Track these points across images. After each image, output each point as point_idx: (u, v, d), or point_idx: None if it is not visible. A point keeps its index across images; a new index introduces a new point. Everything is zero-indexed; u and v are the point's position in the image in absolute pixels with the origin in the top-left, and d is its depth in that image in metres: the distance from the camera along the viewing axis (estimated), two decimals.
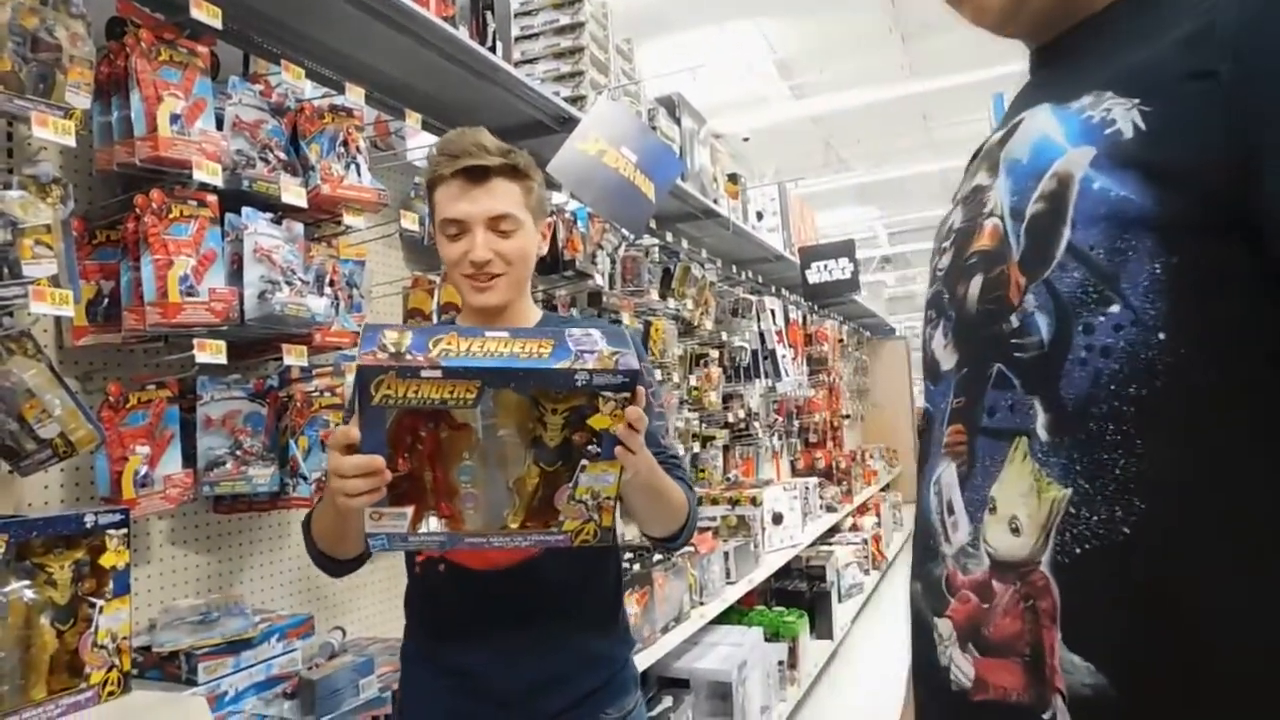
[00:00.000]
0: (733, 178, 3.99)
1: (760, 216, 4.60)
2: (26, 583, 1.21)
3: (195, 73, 1.55)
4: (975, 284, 0.68)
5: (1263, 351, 0.55)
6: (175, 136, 1.47)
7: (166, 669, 1.52)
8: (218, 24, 1.53)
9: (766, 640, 3.66)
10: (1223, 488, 0.55)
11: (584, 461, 1.01)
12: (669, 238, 3.65)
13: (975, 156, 0.80)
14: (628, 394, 0.99)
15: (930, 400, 0.76)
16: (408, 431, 1.00)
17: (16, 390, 1.32)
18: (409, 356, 0.93)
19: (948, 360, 0.72)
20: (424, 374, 0.92)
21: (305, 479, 1.77)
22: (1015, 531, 0.61)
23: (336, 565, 1.31)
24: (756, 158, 9.04)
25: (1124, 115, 0.58)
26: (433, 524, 1.02)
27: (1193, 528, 0.55)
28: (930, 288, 0.77)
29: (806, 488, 4.63)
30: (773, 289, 5.27)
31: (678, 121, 3.30)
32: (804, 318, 5.66)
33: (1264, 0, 0.54)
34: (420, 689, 1.37)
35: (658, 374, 3.31)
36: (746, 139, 8.35)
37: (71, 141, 1.33)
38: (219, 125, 1.61)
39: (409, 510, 1.00)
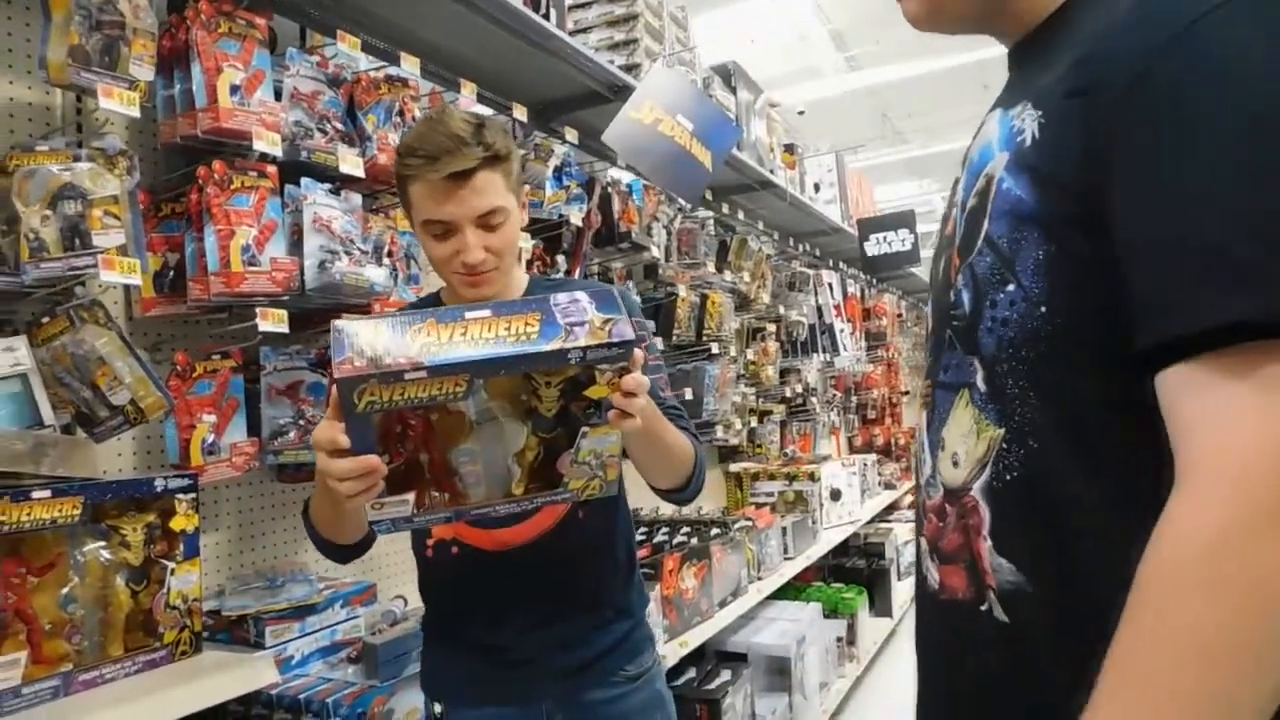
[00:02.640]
0: (789, 148, 3.92)
1: (817, 188, 4.51)
2: (102, 543, 1.24)
3: (254, 44, 1.56)
4: (940, 264, 0.80)
5: (1117, 325, 0.63)
6: (235, 107, 1.48)
7: (235, 633, 1.55)
8: None
9: (825, 617, 3.62)
10: (1084, 430, 0.67)
11: (584, 428, 0.98)
12: (725, 210, 3.60)
13: None
14: (624, 363, 0.95)
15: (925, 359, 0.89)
16: (396, 422, 0.98)
17: (89, 358, 1.35)
18: (388, 360, 0.87)
19: (930, 326, 0.84)
20: (408, 376, 0.87)
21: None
22: (955, 465, 0.74)
23: (341, 551, 1.29)
24: (811, 131, 8.88)
25: (1030, 125, 0.68)
26: (435, 501, 1.01)
27: (1065, 461, 0.67)
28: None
29: (865, 464, 4.56)
30: (830, 262, 5.18)
31: (733, 91, 3.24)
32: (862, 292, 5.55)
33: (1135, 31, 0.62)
34: (441, 660, 1.40)
35: (713, 347, 3.27)
36: (801, 112, 8.21)
37: (136, 112, 1.35)
38: (277, 96, 1.63)
39: (410, 496, 0.98)
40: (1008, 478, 0.69)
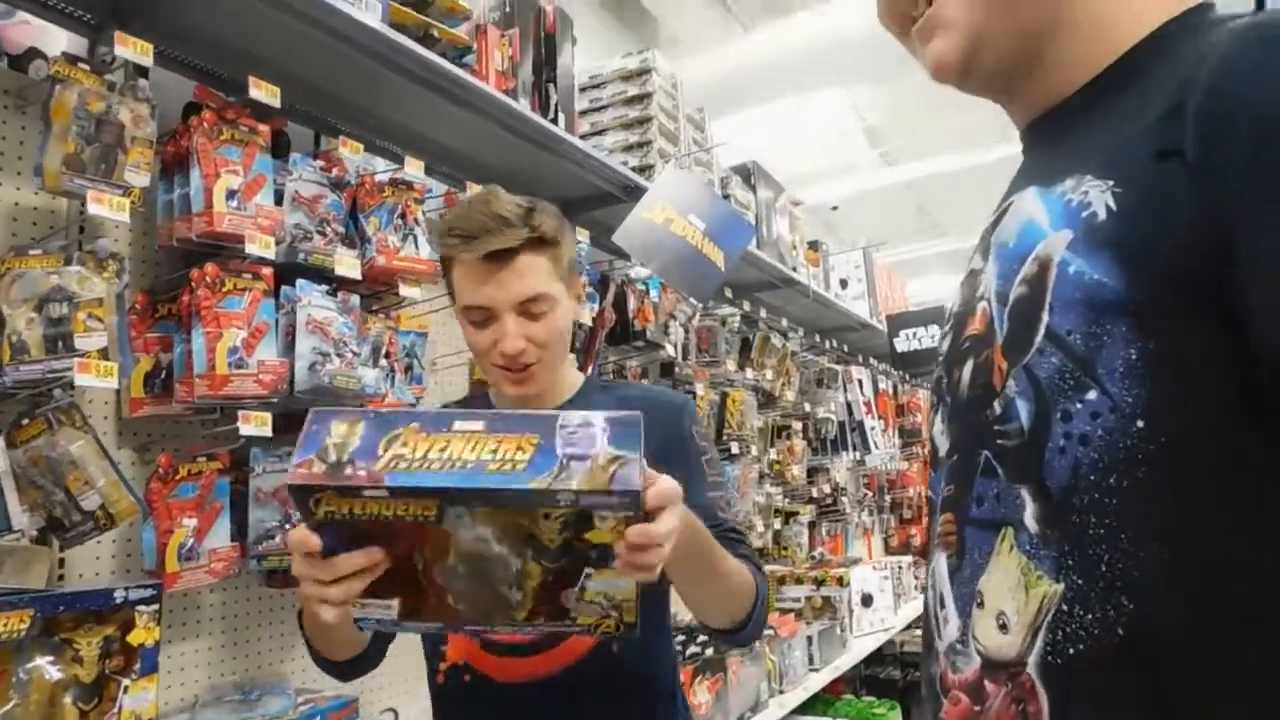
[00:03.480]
0: (813, 245, 3.90)
1: (845, 284, 4.48)
2: (51, 658, 1.19)
3: (255, 150, 1.59)
4: (967, 369, 0.66)
5: (1249, 442, 0.51)
6: (230, 211, 1.50)
7: None
8: (276, 103, 1.57)
9: None
10: (1215, 590, 0.51)
11: (588, 570, 0.84)
12: (747, 307, 3.57)
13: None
14: (628, 513, 0.80)
15: (932, 488, 0.72)
16: (380, 524, 0.84)
17: (62, 461, 1.33)
18: (349, 469, 0.76)
19: (944, 446, 0.69)
20: (366, 493, 0.76)
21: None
22: (1003, 628, 0.58)
23: (339, 668, 1.20)
24: (847, 226, 8.93)
25: (1099, 197, 0.56)
26: (430, 607, 0.88)
27: (1187, 632, 0.51)
28: (935, 372, 0.75)
29: (900, 567, 4.36)
30: (860, 358, 5.10)
31: (753, 189, 3.25)
32: (895, 388, 5.44)
33: (1230, 78, 0.52)
34: None
35: (733, 446, 3.19)
36: (835, 208, 8.28)
37: (126, 218, 1.36)
38: (278, 200, 1.64)
39: (394, 603, 0.87)
40: (1071, 651, 0.53)
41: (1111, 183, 0.56)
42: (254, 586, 1.79)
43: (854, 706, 3.68)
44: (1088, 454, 0.54)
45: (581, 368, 2.60)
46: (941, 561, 0.66)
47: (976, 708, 0.59)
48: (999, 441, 0.60)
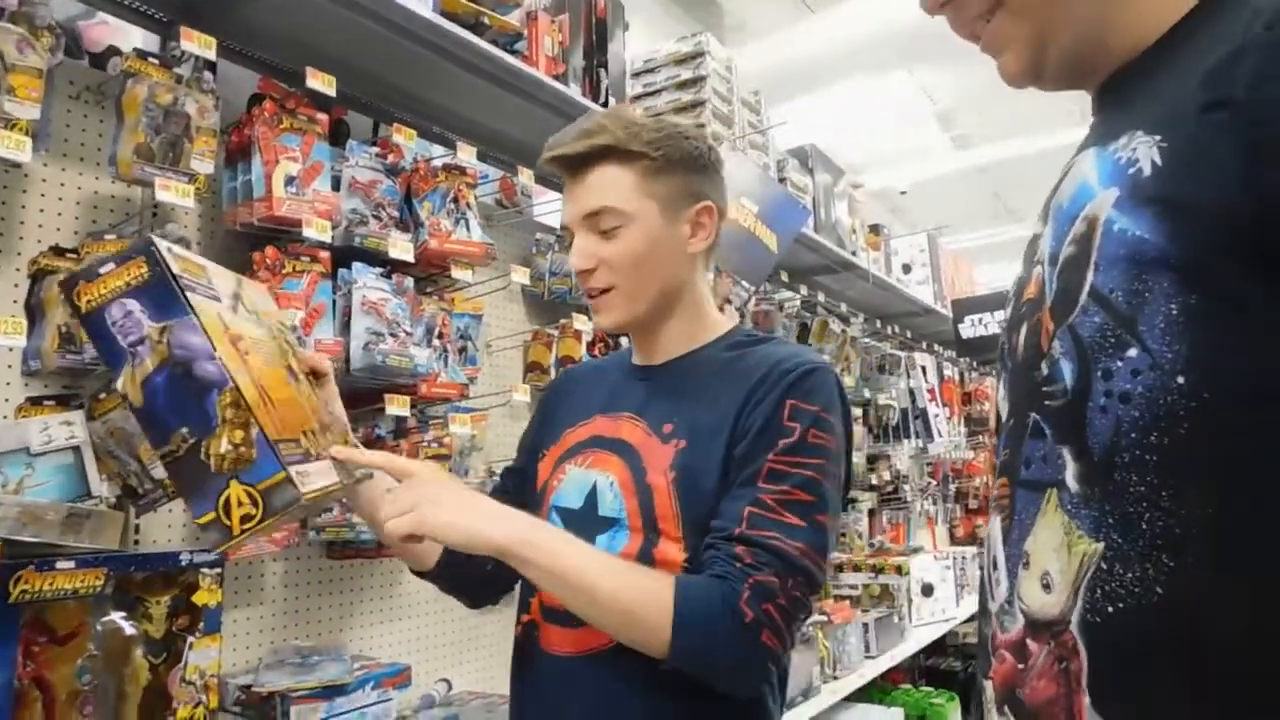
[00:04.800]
0: (874, 229, 3.84)
1: (907, 269, 4.40)
2: (124, 614, 1.27)
3: (313, 138, 1.65)
4: (1022, 333, 0.66)
5: None
6: (288, 197, 1.56)
7: (264, 710, 1.56)
8: (332, 91, 1.63)
9: None
10: (1255, 547, 0.51)
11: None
12: (804, 291, 3.54)
13: None
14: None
15: (995, 455, 0.72)
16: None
17: (136, 433, 1.42)
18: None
19: (1004, 411, 0.69)
20: None
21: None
22: (1047, 588, 0.58)
23: (454, 588, 1.24)
24: (917, 211, 8.75)
25: (1145, 153, 0.56)
26: None
27: (1227, 590, 0.51)
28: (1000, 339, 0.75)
29: (964, 557, 4.29)
30: (924, 344, 5.00)
31: (810, 173, 3.22)
32: (961, 375, 5.32)
33: None
34: None
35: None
36: (904, 192, 8.11)
37: (191, 203, 1.44)
38: (336, 186, 1.71)
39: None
40: (1110, 609, 0.54)
41: (1158, 137, 0.55)
42: (315, 558, 1.87)
43: (911, 696, 3.64)
44: (1128, 412, 0.54)
45: None
46: (996, 524, 0.66)
47: (1020, 666, 0.60)
48: (1046, 403, 0.60)
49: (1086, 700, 0.54)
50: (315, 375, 1.13)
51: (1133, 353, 0.54)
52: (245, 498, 0.80)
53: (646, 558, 1.04)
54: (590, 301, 1.12)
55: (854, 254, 3.48)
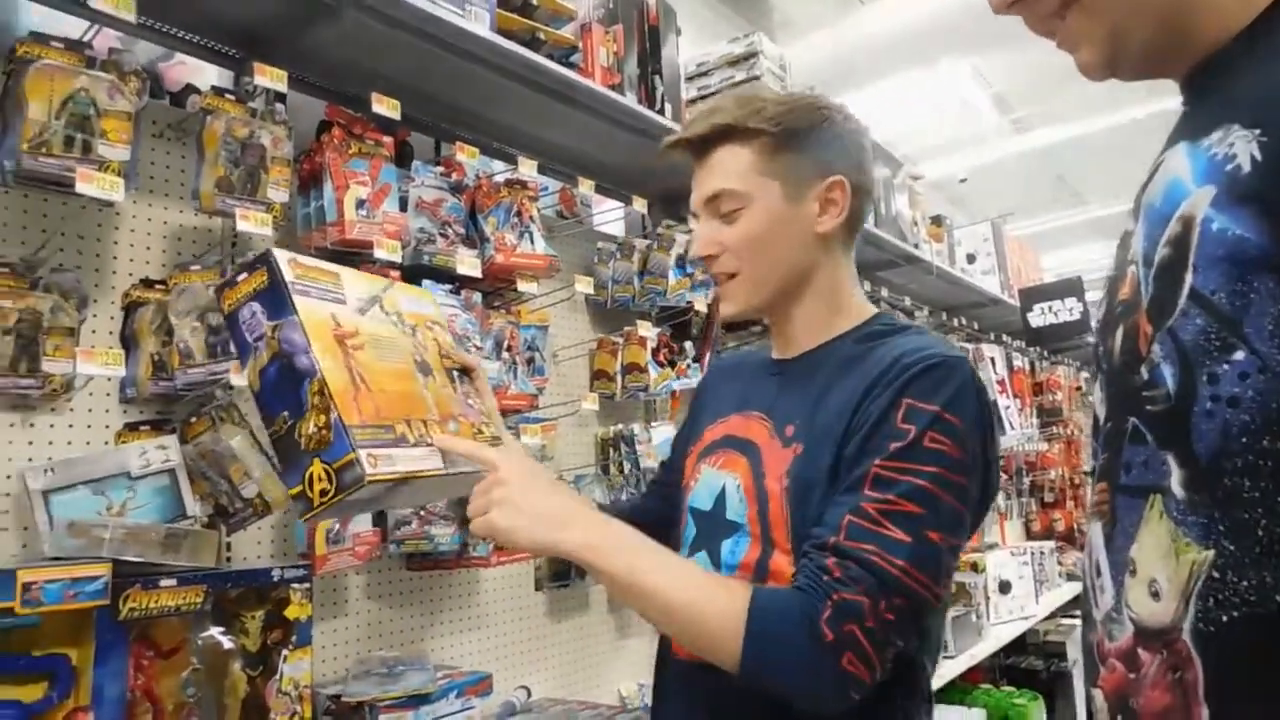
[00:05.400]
0: (936, 220, 3.78)
1: (971, 259, 4.31)
2: (222, 629, 1.33)
3: (381, 161, 1.70)
4: (1118, 335, 0.64)
5: None
6: (359, 220, 1.61)
7: (353, 719, 1.61)
8: (396, 115, 1.67)
9: None
10: None
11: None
12: (868, 286, 3.50)
13: None
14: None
15: (1093, 457, 0.71)
16: None
17: (225, 454, 1.48)
18: None
19: (1101, 414, 0.68)
20: None
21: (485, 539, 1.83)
22: (1155, 596, 0.57)
23: None
24: (977, 199, 8.56)
25: (1244, 148, 0.54)
26: None
27: None
28: (1093, 341, 0.74)
29: (1041, 553, 4.18)
30: (992, 335, 4.89)
31: None
32: (1032, 365, 5.19)
33: None
34: None
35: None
36: (963, 180, 7.95)
37: (269, 231, 1.49)
38: (403, 206, 1.75)
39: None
40: (1224, 618, 0.53)
41: (1258, 131, 0.53)
42: (396, 570, 1.92)
43: (992, 697, 3.56)
44: (1237, 417, 0.52)
45: (699, 356, 2.63)
46: (1097, 530, 0.65)
47: (1132, 675, 0.58)
48: (1146, 407, 0.59)
49: (1205, 712, 0.53)
50: (466, 372, 1.16)
51: (1239, 355, 0.52)
52: (324, 474, 0.89)
53: (763, 569, 0.99)
54: (717, 289, 1.09)
55: (916, 247, 3.43)
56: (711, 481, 1.10)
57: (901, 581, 0.87)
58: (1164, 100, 6.73)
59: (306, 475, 0.89)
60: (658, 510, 1.25)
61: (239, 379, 1.39)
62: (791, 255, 1.05)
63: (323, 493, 0.88)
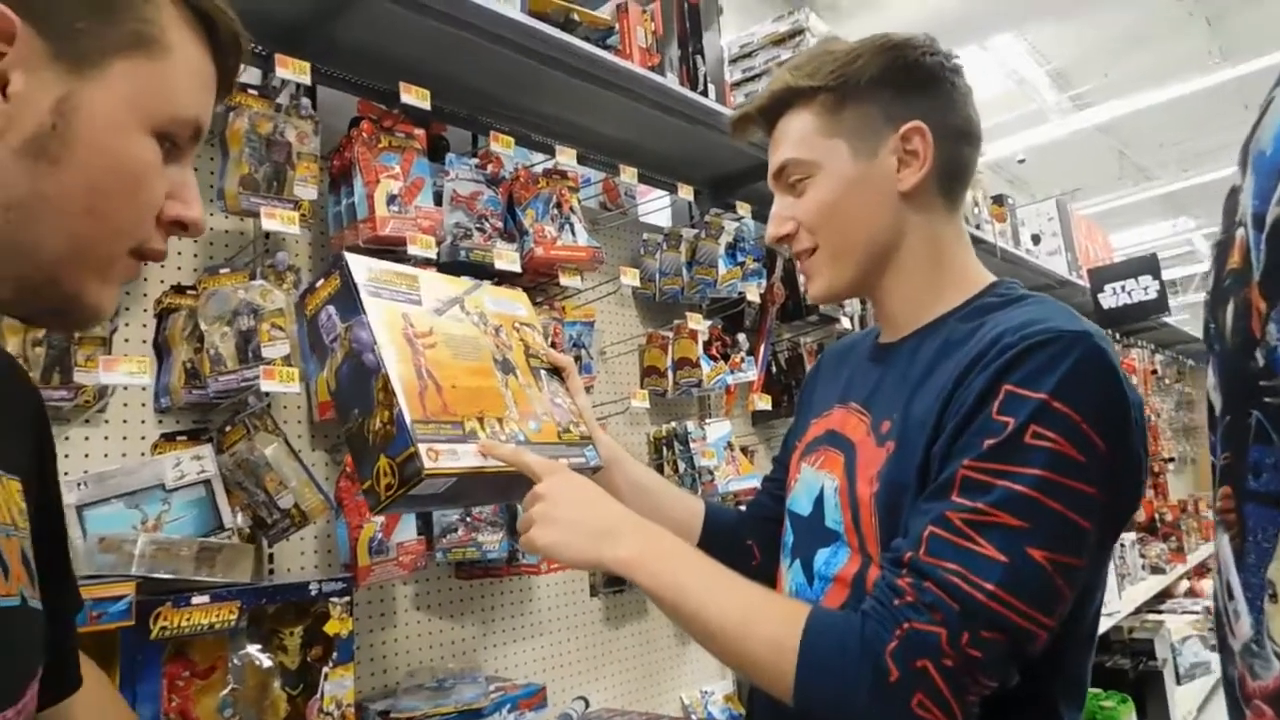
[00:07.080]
0: (998, 200, 3.60)
1: (1037, 240, 4.11)
2: (260, 646, 1.27)
3: (413, 154, 1.63)
4: (1229, 312, 0.54)
5: None
6: (392, 215, 1.54)
7: None
8: (426, 105, 1.60)
9: None
10: None
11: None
12: None
13: None
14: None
15: (1212, 452, 0.59)
16: None
17: (259, 463, 1.42)
18: None
19: (1218, 404, 0.57)
20: None
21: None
22: None
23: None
24: (1038, 179, 8.27)
25: None
26: None
27: None
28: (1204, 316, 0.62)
29: (1122, 545, 3.97)
30: None
31: None
32: None
33: None
34: None
35: None
36: (1022, 160, 7.68)
37: (296, 230, 1.43)
38: (438, 201, 1.68)
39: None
40: None
41: None
42: (444, 579, 1.85)
43: None
44: None
45: (753, 348, 2.52)
46: (1225, 543, 0.54)
47: None
48: (1266, 399, 0.49)
49: None
50: (557, 371, 1.15)
51: None
52: (388, 469, 0.90)
53: (860, 583, 0.87)
54: (801, 269, 0.99)
55: (978, 228, 3.27)
56: (811, 483, 0.99)
57: (991, 609, 0.72)
58: (1238, 68, 6.40)
59: (374, 470, 0.91)
60: (772, 509, 1.13)
61: (271, 384, 1.33)
62: (873, 221, 0.92)
63: (388, 487, 0.90)
